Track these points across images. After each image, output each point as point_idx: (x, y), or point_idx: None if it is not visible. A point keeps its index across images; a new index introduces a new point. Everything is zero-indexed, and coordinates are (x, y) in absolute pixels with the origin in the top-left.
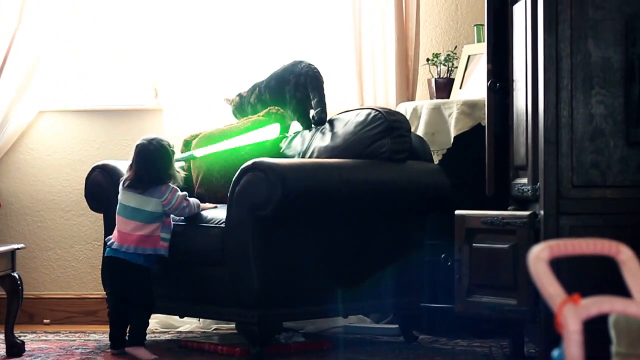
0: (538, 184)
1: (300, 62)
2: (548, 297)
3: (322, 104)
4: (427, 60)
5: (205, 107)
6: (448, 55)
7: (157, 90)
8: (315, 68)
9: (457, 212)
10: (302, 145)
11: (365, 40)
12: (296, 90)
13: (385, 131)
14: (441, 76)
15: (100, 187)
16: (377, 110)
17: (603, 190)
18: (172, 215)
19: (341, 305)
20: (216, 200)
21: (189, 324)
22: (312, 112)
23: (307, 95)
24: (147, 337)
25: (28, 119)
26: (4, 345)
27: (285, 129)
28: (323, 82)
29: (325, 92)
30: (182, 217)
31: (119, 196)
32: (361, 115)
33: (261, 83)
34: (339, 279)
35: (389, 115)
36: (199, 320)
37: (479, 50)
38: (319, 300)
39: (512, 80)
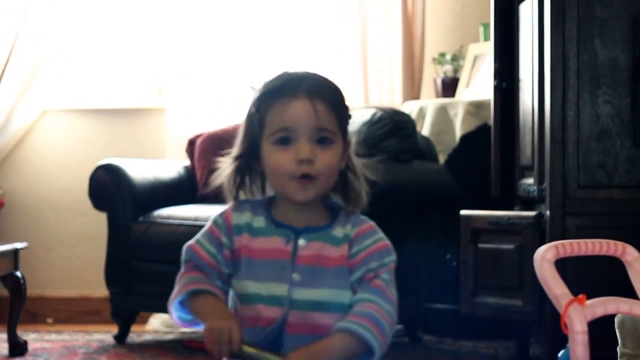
0: (544, 184)
1: None
2: (554, 298)
3: None
4: (433, 59)
5: (209, 106)
6: (454, 54)
7: (160, 89)
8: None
9: (462, 212)
10: None
11: (371, 39)
12: None
13: (391, 131)
14: (447, 75)
15: (104, 186)
16: (382, 109)
17: (609, 191)
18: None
19: None
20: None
21: None
22: None
23: None
24: (150, 337)
25: (32, 118)
26: (6, 345)
27: None
28: None
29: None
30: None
31: None
32: (367, 115)
33: None
34: None
35: (394, 115)
36: None
37: (485, 50)
38: None
39: (518, 80)
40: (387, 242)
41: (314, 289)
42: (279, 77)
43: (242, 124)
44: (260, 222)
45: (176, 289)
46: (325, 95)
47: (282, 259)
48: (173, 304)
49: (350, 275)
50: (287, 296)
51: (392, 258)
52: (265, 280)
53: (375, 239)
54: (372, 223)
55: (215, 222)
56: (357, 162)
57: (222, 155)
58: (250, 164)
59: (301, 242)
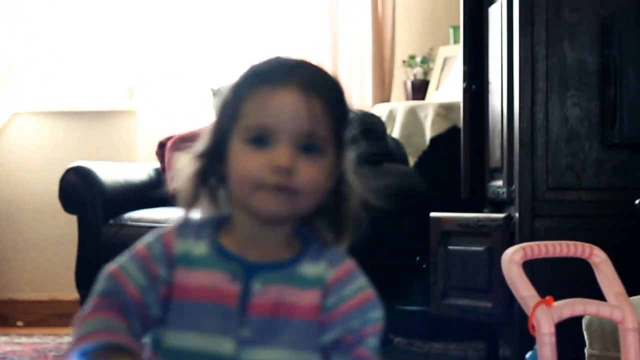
0: (513, 186)
1: None
2: (521, 300)
3: None
4: (403, 62)
5: (181, 109)
6: (424, 57)
7: (131, 91)
8: None
9: (432, 214)
10: None
11: (341, 41)
12: None
13: (361, 133)
14: (417, 78)
15: (74, 188)
16: (352, 112)
17: (578, 193)
18: None
19: None
20: None
21: None
22: None
23: None
24: None
25: (1, 121)
26: None
27: None
28: None
29: None
30: None
31: None
32: None
33: None
34: None
35: (364, 117)
36: None
37: (455, 52)
38: None
39: (488, 82)
40: (371, 291)
41: (270, 349)
42: (268, 60)
43: (216, 113)
44: (201, 248)
45: (83, 328)
46: (325, 90)
47: (225, 304)
48: (76, 350)
49: (321, 334)
50: (233, 358)
51: (378, 314)
52: (201, 332)
53: (357, 286)
54: (351, 263)
55: (149, 246)
56: (356, 183)
57: (184, 152)
58: (215, 165)
59: (257, 286)
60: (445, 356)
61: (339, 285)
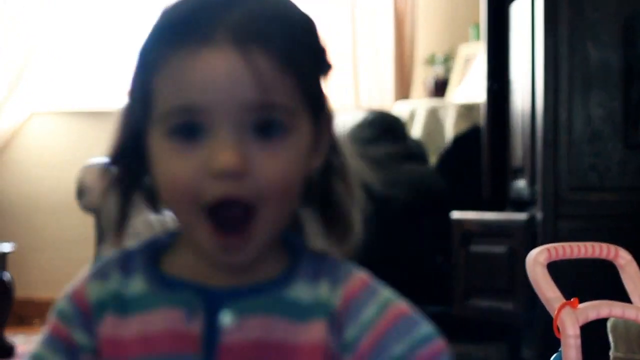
0: (536, 186)
1: None
2: (546, 301)
3: None
4: (424, 60)
5: None
6: (445, 55)
7: None
8: None
9: (453, 214)
10: None
11: (361, 40)
12: None
13: (382, 132)
14: (438, 76)
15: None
16: (373, 111)
17: (601, 193)
18: None
19: None
20: None
21: None
22: None
23: None
24: None
25: (20, 120)
26: None
27: None
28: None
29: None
30: None
31: None
32: (357, 116)
33: None
34: None
35: (385, 116)
36: None
37: (476, 51)
38: None
39: (510, 81)
40: (401, 303)
41: None
42: (181, 2)
43: (126, 95)
44: (136, 284)
45: None
46: (273, 34)
47: (183, 354)
48: None
49: None
50: None
51: (427, 330)
52: None
53: (381, 302)
54: (362, 274)
55: (59, 313)
56: (351, 158)
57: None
58: (136, 172)
59: (226, 320)
60: (467, 357)
61: (355, 308)
